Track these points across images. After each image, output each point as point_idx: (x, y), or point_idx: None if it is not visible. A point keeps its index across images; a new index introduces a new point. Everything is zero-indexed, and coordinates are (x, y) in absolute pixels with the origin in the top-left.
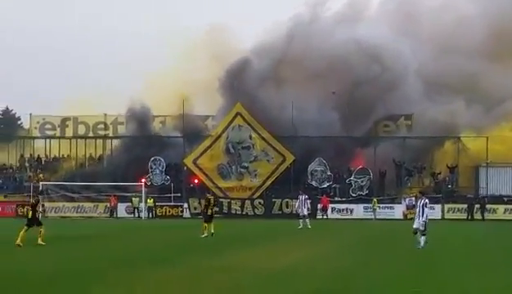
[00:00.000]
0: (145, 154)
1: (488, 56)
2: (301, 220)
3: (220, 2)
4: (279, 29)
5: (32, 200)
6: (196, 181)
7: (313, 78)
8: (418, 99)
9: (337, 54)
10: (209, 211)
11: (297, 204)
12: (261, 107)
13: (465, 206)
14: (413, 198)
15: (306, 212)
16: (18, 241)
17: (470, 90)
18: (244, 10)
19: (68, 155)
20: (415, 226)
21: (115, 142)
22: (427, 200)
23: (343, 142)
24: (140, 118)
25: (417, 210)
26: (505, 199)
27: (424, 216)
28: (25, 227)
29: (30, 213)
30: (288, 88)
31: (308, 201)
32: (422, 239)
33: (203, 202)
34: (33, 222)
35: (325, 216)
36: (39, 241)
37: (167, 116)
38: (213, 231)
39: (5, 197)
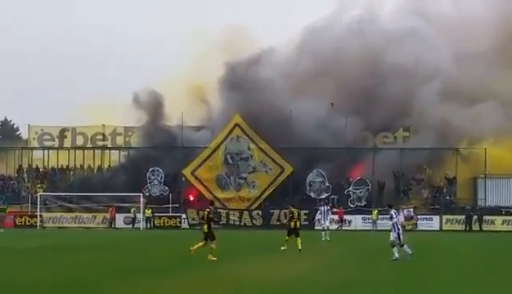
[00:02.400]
0: (144, 165)
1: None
2: (323, 233)
3: (244, 2)
4: (292, 36)
5: (207, 213)
6: (192, 198)
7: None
8: (434, 105)
9: (349, 60)
10: (292, 224)
11: (318, 215)
12: (260, 112)
13: (463, 217)
14: (411, 210)
15: (328, 224)
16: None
17: (488, 95)
18: (273, 12)
19: (66, 166)
20: (391, 239)
21: (114, 153)
22: (393, 212)
23: (342, 153)
24: (152, 103)
25: (391, 222)
26: (503, 211)
27: (395, 228)
28: (203, 241)
29: (206, 226)
30: (292, 95)
31: (330, 212)
32: (405, 248)
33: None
34: (209, 236)
35: (340, 228)
36: (210, 257)
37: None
38: (300, 247)
39: (3, 210)
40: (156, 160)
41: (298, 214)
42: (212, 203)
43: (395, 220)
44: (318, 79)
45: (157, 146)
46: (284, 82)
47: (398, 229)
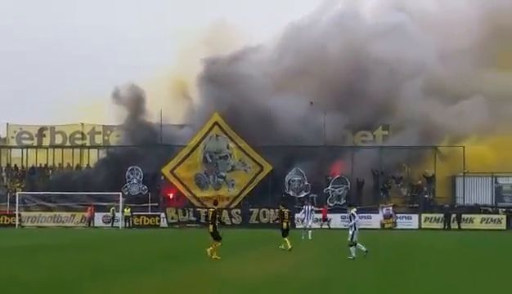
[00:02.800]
0: (123, 163)
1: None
2: (303, 232)
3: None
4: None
5: (212, 213)
6: (171, 195)
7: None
8: (417, 102)
9: (332, 57)
10: (284, 225)
11: (301, 215)
12: (240, 108)
13: (442, 215)
14: (390, 208)
15: (311, 223)
16: (214, 255)
17: (472, 92)
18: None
19: (45, 165)
20: (355, 239)
21: (93, 151)
22: (352, 212)
23: (322, 151)
24: (133, 98)
25: (351, 223)
26: (482, 209)
27: (353, 228)
28: (215, 241)
29: (212, 227)
30: (274, 92)
31: (314, 212)
32: (352, 250)
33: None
34: (214, 236)
35: (325, 226)
36: (214, 255)
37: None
38: (290, 247)
39: None
40: (136, 158)
41: (289, 214)
42: (216, 203)
43: (355, 220)
44: (300, 76)
45: (136, 145)
46: (265, 79)
47: (355, 229)
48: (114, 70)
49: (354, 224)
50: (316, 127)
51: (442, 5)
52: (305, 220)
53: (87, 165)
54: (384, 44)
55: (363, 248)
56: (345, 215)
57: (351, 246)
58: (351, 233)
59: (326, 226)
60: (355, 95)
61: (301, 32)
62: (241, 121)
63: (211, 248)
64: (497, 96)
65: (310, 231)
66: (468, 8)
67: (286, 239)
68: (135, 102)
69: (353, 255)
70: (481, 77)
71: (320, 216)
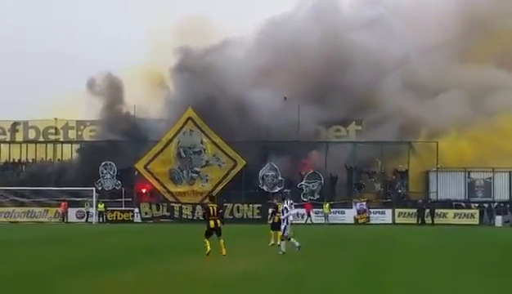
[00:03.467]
0: (97, 158)
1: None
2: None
3: None
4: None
5: (216, 208)
6: (144, 190)
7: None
8: (395, 96)
9: (309, 51)
10: (276, 219)
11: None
12: (214, 102)
13: (416, 210)
14: (364, 203)
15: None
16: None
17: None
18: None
19: (18, 160)
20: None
21: (67, 147)
22: (286, 206)
23: (295, 146)
24: (110, 87)
25: (285, 216)
26: (454, 204)
27: (285, 222)
28: (218, 237)
29: (213, 222)
30: (249, 86)
31: (293, 206)
32: (283, 245)
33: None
34: (216, 232)
35: (308, 221)
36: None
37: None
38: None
39: None
40: (111, 153)
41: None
42: (212, 198)
43: (289, 213)
44: (277, 70)
45: (111, 139)
46: (241, 72)
47: (287, 223)
48: (88, 66)
49: (287, 217)
50: (290, 122)
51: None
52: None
53: (58, 160)
54: (362, 37)
55: (296, 243)
56: (319, 210)
57: (283, 240)
58: (283, 227)
59: (309, 221)
60: (332, 88)
61: (278, 26)
62: (216, 113)
63: (222, 244)
64: (475, 89)
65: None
66: (443, 2)
67: (272, 232)
68: (112, 91)
69: (283, 250)
70: (458, 71)
71: (303, 210)
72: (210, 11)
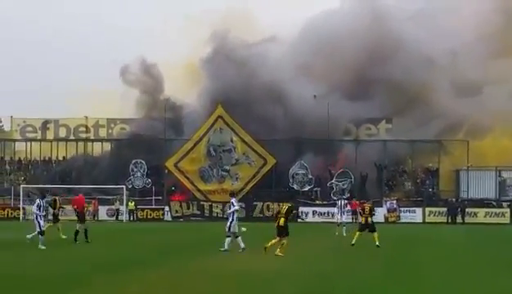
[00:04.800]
0: (128, 156)
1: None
2: (338, 227)
3: None
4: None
5: (288, 207)
6: (177, 198)
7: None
8: (440, 93)
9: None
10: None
11: (335, 209)
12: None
13: (446, 209)
14: (394, 201)
15: (345, 219)
16: (278, 252)
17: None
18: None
19: (49, 158)
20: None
21: (97, 145)
22: (232, 200)
23: (327, 144)
24: (147, 71)
25: (230, 211)
26: (486, 203)
27: (230, 217)
28: (277, 237)
29: (283, 220)
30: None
31: (348, 206)
32: (227, 241)
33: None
34: (284, 231)
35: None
36: (278, 252)
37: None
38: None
39: None
40: (140, 151)
41: (370, 209)
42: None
43: (234, 208)
44: (317, 65)
45: (139, 138)
46: (279, 66)
47: (232, 220)
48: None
49: (232, 213)
50: (324, 119)
51: None
52: (337, 215)
53: (90, 155)
54: (407, 30)
55: (242, 245)
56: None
57: (228, 237)
58: (228, 223)
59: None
60: (375, 83)
61: (321, 21)
62: (251, 105)
63: (274, 242)
64: None
65: (344, 227)
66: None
67: (375, 235)
68: (149, 78)
69: (226, 247)
70: (501, 66)
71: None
72: (251, 3)
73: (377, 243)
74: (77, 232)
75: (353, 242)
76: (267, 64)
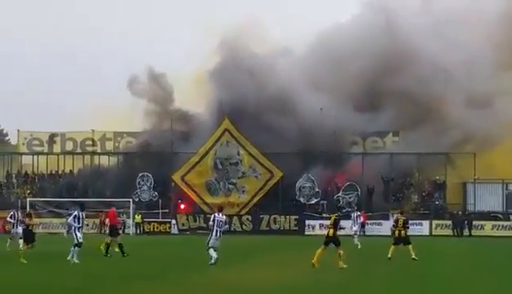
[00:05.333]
0: (135, 169)
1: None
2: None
3: None
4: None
5: (336, 216)
6: (183, 206)
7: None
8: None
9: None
10: (396, 233)
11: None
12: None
13: (452, 222)
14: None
15: (358, 229)
16: (314, 260)
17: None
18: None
19: (55, 171)
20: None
21: (104, 158)
22: (215, 214)
23: (333, 157)
24: (156, 80)
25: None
26: (492, 216)
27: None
28: (323, 246)
29: (332, 231)
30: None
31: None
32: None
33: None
34: (335, 241)
35: (361, 233)
36: (341, 265)
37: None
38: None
39: None
40: (146, 164)
41: (404, 222)
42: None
43: (217, 222)
44: (327, 77)
45: (146, 151)
46: (288, 77)
47: (214, 234)
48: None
49: (214, 225)
50: (331, 131)
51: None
52: (355, 227)
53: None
54: (418, 43)
55: (213, 259)
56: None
57: (209, 249)
58: (209, 237)
59: (362, 232)
60: (384, 95)
61: (333, 33)
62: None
63: (319, 252)
64: None
65: (357, 237)
66: (491, 7)
67: (410, 247)
68: (158, 87)
69: (215, 256)
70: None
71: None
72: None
73: (413, 256)
74: (108, 245)
75: (389, 256)
76: (277, 76)
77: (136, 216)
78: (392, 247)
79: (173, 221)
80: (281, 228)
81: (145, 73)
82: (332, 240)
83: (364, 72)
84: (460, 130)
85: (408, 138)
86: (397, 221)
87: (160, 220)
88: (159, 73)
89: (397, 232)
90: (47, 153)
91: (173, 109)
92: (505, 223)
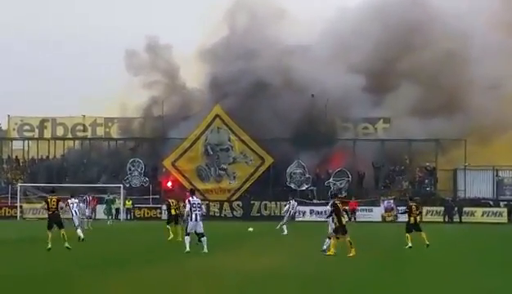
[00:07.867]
0: (125, 156)
1: None
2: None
3: None
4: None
5: (340, 204)
6: (170, 184)
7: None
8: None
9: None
10: (412, 220)
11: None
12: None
13: (443, 208)
14: (391, 201)
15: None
16: (331, 251)
17: None
18: None
19: (46, 156)
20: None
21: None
22: (190, 198)
23: (323, 144)
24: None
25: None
26: (483, 202)
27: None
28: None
29: (338, 219)
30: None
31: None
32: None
33: None
34: (341, 230)
35: (352, 219)
36: (351, 253)
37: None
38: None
39: None
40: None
41: (417, 208)
42: (335, 196)
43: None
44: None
45: (136, 138)
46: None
47: (191, 220)
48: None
49: (191, 209)
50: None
51: None
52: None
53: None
54: (435, 27)
55: (187, 247)
56: (346, 208)
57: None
58: (186, 223)
59: (353, 219)
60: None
61: (342, 13)
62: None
63: (332, 243)
64: None
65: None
66: None
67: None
68: (166, 63)
69: (188, 248)
70: None
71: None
72: None
73: (427, 242)
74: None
75: (410, 245)
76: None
77: (126, 202)
78: (407, 235)
79: (164, 207)
80: (272, 214)
81: (143, 47)
82: (338, 228)
83: (379, 49)
84: (473, 114)
85: (400, 126)
86: (410, 208)
87: (151, 205)
88: (162, 44)
89: (412, 219)
90: (37, 139)
91: (179, 83)
92: (495, 209)
